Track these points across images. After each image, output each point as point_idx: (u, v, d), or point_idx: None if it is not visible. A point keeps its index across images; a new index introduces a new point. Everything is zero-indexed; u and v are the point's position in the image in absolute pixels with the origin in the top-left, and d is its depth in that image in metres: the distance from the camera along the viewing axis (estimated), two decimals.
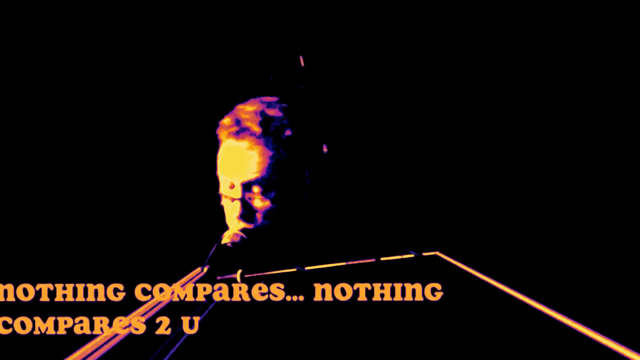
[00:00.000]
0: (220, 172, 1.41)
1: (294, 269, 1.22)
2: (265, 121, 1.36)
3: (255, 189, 1.35)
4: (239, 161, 1.36)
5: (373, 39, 2.07)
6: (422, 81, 2.04)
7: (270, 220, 1.36)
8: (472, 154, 1.99)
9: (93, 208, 2.15)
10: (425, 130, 2.03)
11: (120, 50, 2.20)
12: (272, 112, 1.39)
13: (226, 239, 1.28)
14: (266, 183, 1.34)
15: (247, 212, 1.35)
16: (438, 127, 2.03)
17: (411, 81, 2.05)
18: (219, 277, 1.20)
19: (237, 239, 1.27)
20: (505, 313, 1.27)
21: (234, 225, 1.32)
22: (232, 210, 1.37)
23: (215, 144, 1.46)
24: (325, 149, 1.50)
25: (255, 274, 1.21)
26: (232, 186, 1.38)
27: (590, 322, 1.13)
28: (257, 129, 1.34)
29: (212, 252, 1.24)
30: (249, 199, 1.36)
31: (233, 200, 1.37)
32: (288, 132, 1.37)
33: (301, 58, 1.81)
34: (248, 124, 1.35)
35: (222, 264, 1.22)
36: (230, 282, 1.20)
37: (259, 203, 1.36)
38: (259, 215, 1.36)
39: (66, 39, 2.13)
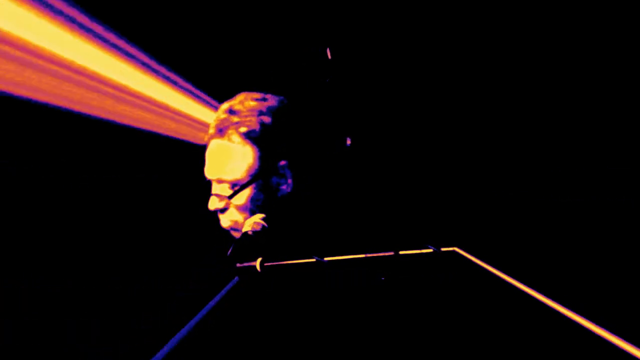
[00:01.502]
0: (206, 166, 1.45)
1: (313, 260, 1.22)
2: (223, 120, 1.39)
3: (225, 184, 1.39)
4: (209, 160, 1.42)
5: (387, 36, 2.08)
6: (445, 78, 2.05)
7: (244, 216, 1.40)
8: (492, 151, 2.00)
9: (90, 210, 2.14)
10: (446, 126, 2.04)
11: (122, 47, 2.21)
12: (238, 107, 1.40)
13: (247, 227, 1.29)
14: (231, 180, 1.38)
15: (221, 207, 1.40)
16: (460, 124, 2.04)
17: (433, 78, 2.06)
18: (238, 265, 1.20)
19: (258, 227, 1.28)
20: (522, 310, 1.27)
21: (254, 216, 1.33)
22: (211, 203, 1.41)
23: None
24: (349, 142, 1.51)
25: (274, 263, 1.21)
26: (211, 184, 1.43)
27: (605, 321, 1.14)
28: (212, 130, 1.39)
29: (233, 245, 1.24)
30: (222, 194, 1.40)
31: (210, 196, 1.42)
32: (243, 128, 1.37)
33: (328, 51, 1.82)
34: (210, 122, 1.40)
35: (242, 251, 1.22)
36: (250, 270, 1.20)
37: (236, 200, 1.39)
38: (232, 211, 1.40)
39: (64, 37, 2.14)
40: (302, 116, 1.49)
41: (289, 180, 1.42)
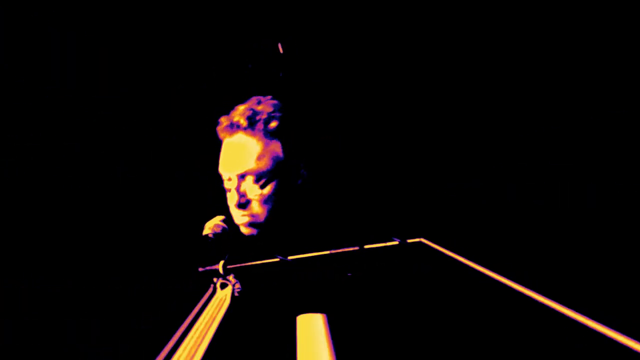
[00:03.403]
0: (220, 168, 1.47)
1: (277, 259, 1.22)
2: (252, 115, 1.44)
3: (249, 178, 1.40)
4: (232, 154, 1.43)
5: (354, 36, 2.05)
6: (405, 74, 2.01)
7: (265, 208, 1.41)
8: (455, 142, 1.96)
9: (90, 210, 2.16)
10: (407, 119, 2.01)
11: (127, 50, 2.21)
12: (261, 107, 1.47)
13: (207, 230, 1.29)
14: (258, 172, 1.40)
15: (243, 201, 1.40)
16: (420, 116, 2.00)
17: (393, 73, 2.02)
18: (200, 269, 1.21)
19: (218, 230, 1.28)
20: (491, 297, 1.25)
21: (214, 219, 1.34)
22: (229, 200, 1.43)
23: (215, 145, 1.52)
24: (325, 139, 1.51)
25: (237, 265, 1.22)
26: (229, 179, 1.44)
27: (581, 307, 1.11)
28: (243, 123, 1.43)
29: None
30: (244, 188, 1.41)
31: (229, 190, 1.43)
32: (274, 123, 1.43)
33: (280, 45, 1.80)
34: (236, 119, 1.44)
35: (203, 255, 1.23)
36: (212, 273, 1.20)
37: (253, 192, 1.41)
38: (254, 204, 1.41)
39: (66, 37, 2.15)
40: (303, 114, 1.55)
41: (304, 173, 1.48)
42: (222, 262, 1.21)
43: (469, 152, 1.93)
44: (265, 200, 1.40)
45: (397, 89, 2.02)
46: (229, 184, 1.44)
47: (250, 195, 1.41)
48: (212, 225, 1.30)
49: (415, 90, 2.00)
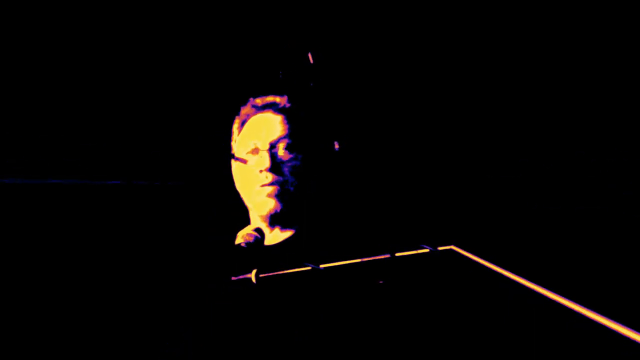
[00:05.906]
0: (246, 140, 1.52)
1: (309, 268, 1.21)
2: (261, 101, 1.57)
3: (281, 144, 1.46)
4: (265, 125, 1.51)
5: (387, 33, 2.04)
6: (438, 76, 2.01)
7: (296, 174, 1.45)
8: (489, 144, 1.96)
9: (91, 212, 2.13)
10: (440, 122, 2.01)
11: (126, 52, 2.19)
12: (270, 98, 1.58)
13: (240, 239, 1.28)
14: (291, 140, 1.47)
15: (274, 163, 1.43)
16: (454, 119, 2.01)
17: (426, 76, 2.02)
18: (233, 278, 1.20)
19: (251, 239, 1.27)
20: (525, 307, 1.26)
21: (246, 228, 1.34)
22: (258, 164, 1.44)
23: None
24: (337, 146, 1.51)
25: (270, 274, 1.21)
26: (255, 151, 1.47)
27: (610, 312, 1.11)
28: (280, 100, 1.55)
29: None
30: (276, 151, 1.46)
31: (257, 158, 1.46)
32: (282, 104, 1.55)
33: (310, 55, 1.80)
34: (270, 99, 1.56)
35: (236, 263, 1.22)
36: (245, 282, 1.19)
37: (285, 155, 1.45)
38: (285, 169, 1.44)
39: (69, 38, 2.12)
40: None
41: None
42: (254, 271, 1.20)
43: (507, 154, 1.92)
44: (296, 166, 1.45)
45: (430, 93, 2.03)
46: (255, 155, 1.47)
47: (282, 157, 1.45)
48: (245, 234, 1.29)
49: (453, 94, 2.01)
